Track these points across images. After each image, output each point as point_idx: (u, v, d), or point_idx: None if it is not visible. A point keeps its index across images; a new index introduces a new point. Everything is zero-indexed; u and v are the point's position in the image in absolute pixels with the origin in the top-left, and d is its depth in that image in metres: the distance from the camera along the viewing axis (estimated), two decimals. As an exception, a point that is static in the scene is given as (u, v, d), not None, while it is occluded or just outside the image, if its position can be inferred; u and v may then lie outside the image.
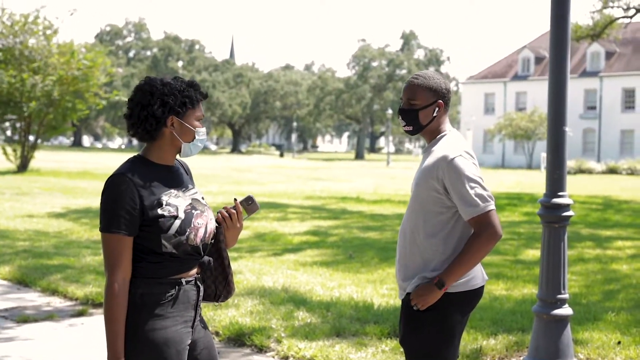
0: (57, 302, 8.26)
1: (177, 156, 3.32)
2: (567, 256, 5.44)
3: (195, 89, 3.26)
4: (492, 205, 3.58)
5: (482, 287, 3.77)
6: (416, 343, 3.68)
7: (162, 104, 3.17)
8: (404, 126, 3.82)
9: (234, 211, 3.37)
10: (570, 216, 5.40)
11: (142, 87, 3.21)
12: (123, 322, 3.10)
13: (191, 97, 3.23)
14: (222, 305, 7.53)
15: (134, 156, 3.24)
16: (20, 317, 7.48)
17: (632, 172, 51.51)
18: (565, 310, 5.40)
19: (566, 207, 5.41)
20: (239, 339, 6.68)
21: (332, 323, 7.00)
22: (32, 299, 8.41)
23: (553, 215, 5.39)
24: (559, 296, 5.39)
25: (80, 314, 7.69)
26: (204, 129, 3.30)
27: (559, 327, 5.37)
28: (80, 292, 8.40)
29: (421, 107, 3.73)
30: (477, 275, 3.73)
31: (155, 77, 3.26)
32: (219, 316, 7.15)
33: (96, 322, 7.36)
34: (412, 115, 3.76)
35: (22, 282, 9.15)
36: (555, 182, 5.41)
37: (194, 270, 3.26)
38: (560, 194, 5.42)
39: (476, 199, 3.55)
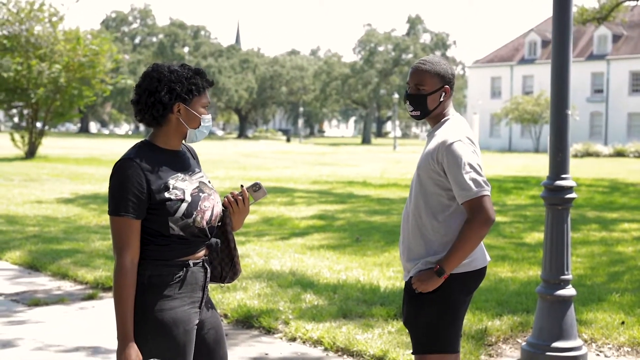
0: (67, 286, 8.37)
1: (183, 141, 3.39)
2: (570, 238, 5.51)
3: (201, 77, 3.33)
4: (485, 191, 3.64)
5: (485, 267, 3.84)
6: (420, 323, 3.76)
7: (169, 90, 3.25)
8: (411, 111, 3.87)
9: (240, 197, 3.45)
10: (573, 198, 5.47)
11: (150, 74, 3.28)
12: (132, 303, 3.17)
13: (197, 85, 3.30)
14: (230, 287, 7.63)
15: (141, 141, 3.32)
16: (32, 300, 7.60)
17: (639, 155, 51.41)
18: (569, 291, 5.48)
19: (569, 189, 5.47)
20: (247, 321, 6.78)
21: (338, 305, 7.10)
22: (43, 283, 8.52)
23: (556, 198, 5.46)
24: (563, 277, 5.46)
25: (90, 297, 7.79)
26: (209, 116, 3.38)
27: (562, 308, 5.45)
28: (90, 276, 8.51)
29: (429, 93, 3.78)
30: (479, 256, 3.80)
31: (163, 63, 3.34)
32: (227, 299, 7.25)
33: (106, 305, 7.47)
34: (420, 100, 3.81)
35: (33, 266, 9.26)
36: (558, 165, 5.47)
37: (202, 252, 3.34)
38: (563, 176, 5.48)
39: (470, 182, 3.61)
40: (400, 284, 8.08)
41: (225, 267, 3.49)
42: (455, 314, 3.74)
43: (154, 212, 3.20)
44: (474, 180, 3.63)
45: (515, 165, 36.41)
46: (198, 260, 3.32)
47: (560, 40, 5.43)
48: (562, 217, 5.46)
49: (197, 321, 3.32)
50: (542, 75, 72.21)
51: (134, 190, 3.16)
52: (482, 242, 3.75)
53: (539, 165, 36.87)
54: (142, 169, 3.19)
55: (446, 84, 3.80)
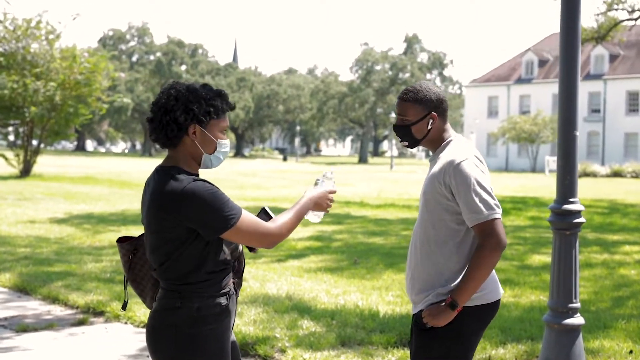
0: (57, 311, 8.13)
1: None
2: (578, 264, 5.30)
3: (222, 99, 3.17)
4: (497, 214, 3.45)
5: (499, 300, 3.64)
6: (429, 359, 3.54)
7: (185, 110, 3.08)
8: (400, 142, 3.74)
9: None
10: (581, 223, 5.26)
11: (168, 91, 3.12)
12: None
13: (217, 107, 3.14)
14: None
15: (170, 167, 3.12)
16: (20, 326, 7.35)
17: (636, 175, 51.30)
18: (577, 320, 5.25)
19: (577, 213, 5.27)
20: (242, 349, 6.54)
21: (337, 332, 6.87)
22: (33, 307, 8.29)
23: (564, 222, 5.25)
24: (571, 305, 5.24)
25: (81, 322, 7.56)
26: (227, 141, 3.22)
27: (570, 337, 5.22)
28: (81, 300, 8.28)
29: (413, 123, 3.64)
30: (493, 288, 3.60)
31: (183, 82, 3.18)
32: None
33: (97, 332, 7.24)
34: (404, 131, 3.68)
35: (23, 289, 9.03)
36: (566, 188, 5.27)
37: (232, 276, 3.28)
38: (571, 200, 5.28)
39: (480, 205, 3.42)
40: (400, 309, 7.86)
41: (236, 282, 3.41)
42: (467, 350, 3.53)
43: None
44: (485, 202, 3.44)
45: (512, 186, 36.26)
46: (231, 285, 3.24)
47: (568, 61, 5.26)
48: (570, 243, 5.25)
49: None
50: (539, 94, 72.32)
51: (222, 192, 3.06)
52: (494, 273, 3.55)
53: (536, 186, 36.75)
54: (207, 182, 3.07)
55: (432, 110, 3.64)
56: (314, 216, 3.40)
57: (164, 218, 3.04)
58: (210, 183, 3.07)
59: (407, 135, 3.68)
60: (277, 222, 3.15)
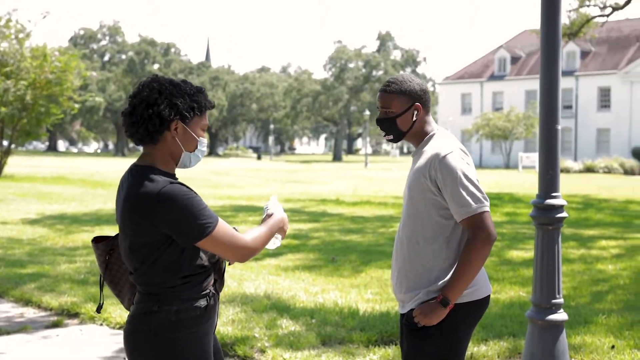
0: (30, 313, 7.95)
1: None
2: (561, 259, 5.24)
3: (204, 96, 3.05)
4: (485, 207, 3.38)
5: (489, 296, 3.56)
6: (422, 359, 3.46)
7: (170, 104, 2.94)
8: (385, 136, 3.63)
9: None
10: (564, 218, 5.20)
11: (149, 84, 2.98)
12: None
13: (200, 104, 3.03)
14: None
15: (145, 167, 2.97)
16: (-8, 329, 7.18)
17: (608, 171, 51.78)
18: (561, 316, 5.19)
19: (560, 208, 5.21)
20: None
21: (317, 331, 6.78)
22: (5, 309, 8.10)
23: (546, 217, 5.19)
24: (554, 301, 5.18)
25: (55, 325, 7.40)
26: (205, 140, 3.10)
27: (554, 333, 5.17)
28: (55, 302, 8.11)
29: (398, 114, 3.54)
30: (483, 284, 3.52)
31: (163, 76, 3.04)
32: (200, 325, 6.90)
33: (71, 334, 7.08)
34: (389, 123, 3.58)
35: (-5, 292, 8.83)
36: (549, 183, 5.20)
37: (212, 276, 3.14)
38: (553, 194, 5.22)
39: (468, 198, 3.34)
40: (379, 306, 7.79)
41: (217, 281, 3.27)
42: (460, 348, 3.46)
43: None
44: (472, 195, 3.36)
45: (487, 182, 36.36)
46: (212, 286, 3.11)
47: (549, 54, 5.20)
48: (552, 238, 5.19)
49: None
50: (511, 91, 72.74)
51: (200, 199, 2.92)
52: (483, 268, 3.47)
53: (510, 182, 36.90)
54: (186, 186, 2.94)
55: (416, 101, 3.55)
56: (275, 240, 3.26)
57: (138, 222, 2.90)
58: (187, 187, 2.93)
59: (392, 128, 3.58)
60: (252, 235, 3.02)
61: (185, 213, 2.85)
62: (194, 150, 3.04)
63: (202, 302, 3.02)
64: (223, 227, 2.93)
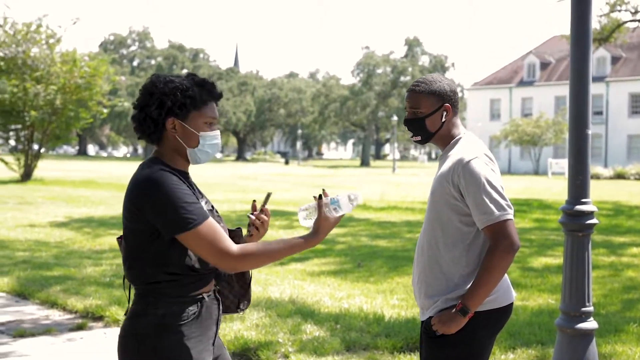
0: (56, 315, 7.96)
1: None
2: (591, 266, 5.13)
3: (204, 88, 2.95)
4: (509, 215, 3.27)
5: (511, 304, 3.46)
6: (441, 369, 3.37)
7: (159, 105, 2.89)
8: (412, 136, 3.54)
9: (266, 218, 3.21)
10: (594, 224, 5.09)
11: (145, 87, 2.95)
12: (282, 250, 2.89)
13: (194, 98, 2.91)
14: (227, 317, 7.23)
15: (151, 159, 2.95)
16: (17, 331, 7.19)
17: None
18: (591, 324, 5.08)
19: (590, 214, 5.10)
20: (244, 354, 6.38)
21: (341, 337, 6.70)
22: (31, 312, 8.12)
23: (576, 224, 5.08)
24: (584, 309, 5.06)
25: (79, 327, 7.40)
26: (213, 133, 2.97)
27: (583, 342, 5.05)
28: (80, 304, 8.11)
29: (427, 115, 3.46)
30: (505, 291, 3.42)
31: (164, 74, 2.97)
32: (224, 330, 6.86)
33: (95, 337, 7.08)
34: (418, 124, 3.49)
35: (21, 294, 8.87)
36: (578, 188, 5.10)
37: (212, 283, 3.01)
38: (583, 200, 5.11)
39: (491, 205, 3.24)
40: (405, 313, 7.70)
41: (237, 294, 3.18)
42: (480, 357, 3.35)
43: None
44: (496, 203, 3.26)
45: (516, 188, 36.04)
46: (210, 293, 2.97)
47: (578, 58, 5.10)
48: (582, 245, 5.08)
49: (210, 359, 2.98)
50: (541, 97, 72.16)
51: (190, 194, 2.81)
52: (506, 275, 3.37)
53: (539, 188, 36.56)
54: (180, 178, 2.85)
55: (446, 101, 3.46)
56: (349, 204, 2.99)
57: (129, 208, 2.85)
58: (184, 180, 2.86)
59: (421, 128, 3.49)
60: (246, 248, 2.83)
61: (171, 202, 2.77)
62: (197, 146, 2.96)
63: (192, 308, 2.89)
64: (210, 227, 2.80)
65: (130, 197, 2.86)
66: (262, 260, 2.85)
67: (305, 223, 2.97)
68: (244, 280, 3.18)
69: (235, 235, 3.16)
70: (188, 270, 2.87)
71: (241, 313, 3.25)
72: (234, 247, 2.82)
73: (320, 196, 2.92)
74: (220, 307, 3.05)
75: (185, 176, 2.96)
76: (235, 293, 3.18)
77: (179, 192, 2.79)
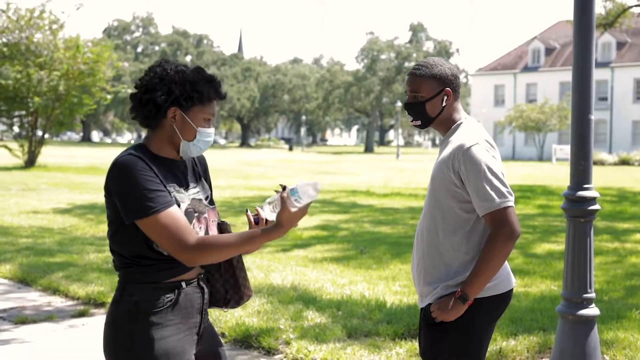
0: (58, 302, 7.97)
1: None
2: (593, 253, 5.10)
3: (211, 86, 2.94)
4: (509, 202, 3.23)
5: (511, 291, 3.43)
6: (440, 355, 3.35)
7: (167, 91, 2.86)
8: (412, 121, 3.50)
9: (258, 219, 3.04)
10: (596, 210, 5.05)
11: (154, 69, 2.91)
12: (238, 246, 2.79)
13: (202, 93, 2.90)
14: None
15: (135, 145, 2.92)
16: (19, 317, 7.19)
17: (644, 164, 50.98)
18: (592, 311, 5.05)
19: (592, 200, 5.06)
20: (245, 340, 6.37)
21: (343, 323, 6.69)
22: (33, 298, 8.13)
23: (578, 210, 5.04)
24: (585, 295, 5.04)
25: (81, 314, 7.40)
26: (210, 130, 2.96)
27: (585, 329, 5.02)
28: (82, 291, 8.11)
29: (427, 99, 3.40)
30: (505, 278, 3.39)
31: (173, 61, 2.94)
32: (225, 316, 6.85)
33: (98, 323, 7.07)
34: (418, 108, 3.43)
35: (23, 280, 8.88)
36: (581, 174, 5.05)
37: (195, 271, 2.94)
38: (585, 186, 5.07)
39: (492, 192, 3.20)
40: (407, 299, 7.68)
41: (229, 289, 3.11)
42: (479, 344, 3.33)
43: None
44: (496, 189, 3.22)
45: (520, 174, 36.00)
46: (192, 280, 2.91)
47: (582, 42, 5.04)
48: (584, 231, 5.04)
49: (194, 351, 2.92)
50: (545, 83, 71.93)
51: (154, 181, 2.76)
52: (506, 262, 3.34)
53: (543, 174, 36.51)
54: (148, 165, 2.79)
55: (447, 86, 3.41)
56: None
57: (105, 194, 2.87)
58: (150, 166, 2.81)
59: (421, 113, 3.44)
60: (204, 240, 2.76)
61: (132, 187, 2.74)
62: (193, 140, 2.93)
63: (169, 295, 2.84)
64: (171, 216, 2.74)
65: (105, 183, 2.87)
66: (221, 253, 2.79)
67: (271, 217, 2.94)
68: (234, 278, 3.13)
69: (221, 229, 3.07)
70: (158, 255, 2.82)
71: (226, 310, 3.19)
72: (192, 239, 2.76)
73: (284, 188, 2.86)
74: (205, 297, 2.99)
75: (170, 164, 2.93)
76: (227, 288, 3.12)
77: (141, 179, 2.76)
